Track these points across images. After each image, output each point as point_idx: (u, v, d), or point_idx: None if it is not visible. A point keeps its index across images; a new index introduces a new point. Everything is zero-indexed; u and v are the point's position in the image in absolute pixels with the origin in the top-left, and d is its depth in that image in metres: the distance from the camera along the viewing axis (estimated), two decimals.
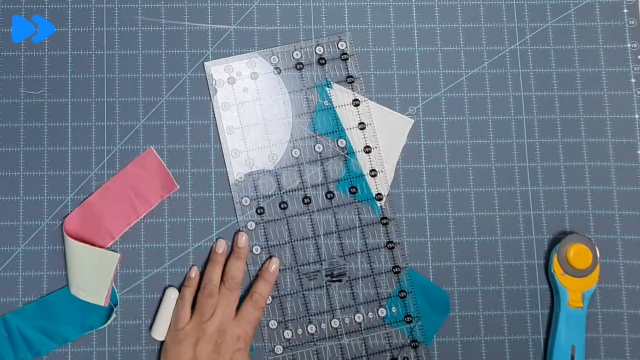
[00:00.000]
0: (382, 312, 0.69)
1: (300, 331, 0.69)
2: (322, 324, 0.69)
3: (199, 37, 0.73)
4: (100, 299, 0.68)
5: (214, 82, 0.70)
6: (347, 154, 0.71)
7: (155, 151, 0.71)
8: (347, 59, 0.72)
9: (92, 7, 0.73)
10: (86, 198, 0.70)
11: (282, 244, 0.70)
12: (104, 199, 0.70)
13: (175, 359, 0.65)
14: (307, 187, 0.70)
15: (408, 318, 0.69)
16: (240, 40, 0.73)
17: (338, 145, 0.71)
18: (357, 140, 0.71)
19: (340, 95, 0.71)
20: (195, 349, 0.65)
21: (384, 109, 0.72)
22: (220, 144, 0.71)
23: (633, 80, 0.73)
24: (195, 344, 0.65)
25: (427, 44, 0.74)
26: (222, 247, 0.69)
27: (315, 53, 0.72)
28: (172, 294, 0.68)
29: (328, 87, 0.72)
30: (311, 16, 0.74)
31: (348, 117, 0.71)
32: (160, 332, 0.68)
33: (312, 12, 0.74)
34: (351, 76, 0.72)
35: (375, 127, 0.71)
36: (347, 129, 0.71)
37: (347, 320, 0.69)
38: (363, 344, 0.69)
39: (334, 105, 0.71)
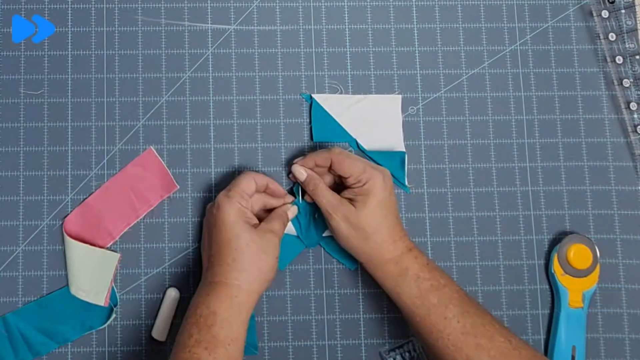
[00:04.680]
0: None
1: None
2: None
3: (199, 37, 0.73)
4: (101, 299, 0.68)
5: None
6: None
7: (155, 151, 0.71)
8: None
9: (92, 7, 0.73)
10: (86, 198, 0.70)
11: None
12: (103, 199, 0.70)
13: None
14: None
15: None
16: (240, 40, 0.73)
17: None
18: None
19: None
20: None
21: (369, 97, 0.72)
22: (218, 144, 0.71)
23: (631, 80, 0.73)
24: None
25: (427, 44, 0.74)
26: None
27: None
28: (172, 294, 0.68)
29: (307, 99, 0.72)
30: (311, 16, 0.74)
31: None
32: (160, 332, 0.68)
33: (312, 12, 0.74)
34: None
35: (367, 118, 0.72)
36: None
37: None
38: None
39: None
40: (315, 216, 0.69)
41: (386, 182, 0.64)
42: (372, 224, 0.63)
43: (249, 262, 0.62)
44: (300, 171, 0.67)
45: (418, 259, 0.63)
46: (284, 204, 0.68)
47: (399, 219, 0.65)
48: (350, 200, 0.65)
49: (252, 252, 0.62)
